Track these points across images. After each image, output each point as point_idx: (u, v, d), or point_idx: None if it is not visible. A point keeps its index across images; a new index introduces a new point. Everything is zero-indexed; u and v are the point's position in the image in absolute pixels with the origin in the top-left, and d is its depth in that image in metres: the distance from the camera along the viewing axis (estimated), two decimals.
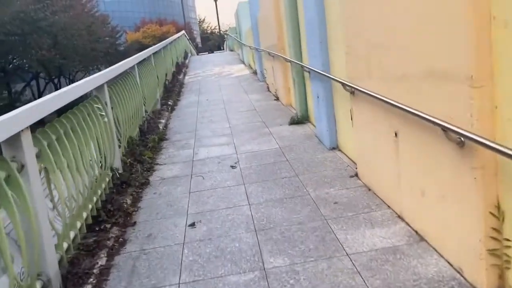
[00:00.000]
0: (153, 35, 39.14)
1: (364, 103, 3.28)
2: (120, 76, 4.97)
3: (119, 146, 4.43)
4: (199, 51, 41.90)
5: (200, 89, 10.69)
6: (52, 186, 2.63)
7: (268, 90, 8.91)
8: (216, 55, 22.09)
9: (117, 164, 4.21)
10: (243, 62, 15.13)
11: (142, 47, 36.57)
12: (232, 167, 4.52)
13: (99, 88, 4.01)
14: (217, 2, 41.56)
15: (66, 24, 17.70)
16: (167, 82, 9.93)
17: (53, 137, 2.70)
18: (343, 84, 3.65)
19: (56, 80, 30.06)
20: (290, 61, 6.12)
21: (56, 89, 30.57)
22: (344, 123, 4.23)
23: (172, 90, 10.11)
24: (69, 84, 33.48)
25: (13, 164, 2.10)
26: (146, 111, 6.40)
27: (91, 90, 3.83)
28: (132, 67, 5.82)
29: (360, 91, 3.18)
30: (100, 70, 28.12)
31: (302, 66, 5.20)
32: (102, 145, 3.74)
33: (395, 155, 2.80)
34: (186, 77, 13.27)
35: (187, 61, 18.00)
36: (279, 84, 7.55)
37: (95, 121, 3.60)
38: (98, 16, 28.90)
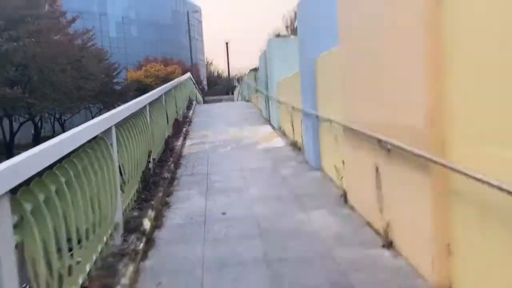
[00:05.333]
0: (156, 75, 35.52)
1: None
2: None
3: None
4: (205, 94, 38.17)
5: (208, 175, 6.26)
6: None
7: (346, 202, 4.47)
8: (229, 105, 17.90)
9: None
10: (269, 122, 10.83)
11: (142, 87, 32.80)
12: None
13: None
14: (229, 45, 38.29)
15: (40, 56, 13.64)
16: (150, 166, 5.52)
17: None
18: None
19: (37, 119, 25.85)
20: None
21: (36, 131, 26.35)
22: None
23: (159, 177, 5.70)
24: (54, 126, 28.95)
25: None
26: None
27: None
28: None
29: None
30: (90, 111, 23.61)
31: None
32: None
33: None
34: (187, 143, 8.90)
35: (191, 112, 13.77)
36: (411, 224, 3.09)
37: None
38: (92, 51, 25.16)
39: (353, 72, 4.00)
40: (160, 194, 5.07)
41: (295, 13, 43.58)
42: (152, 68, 36.54)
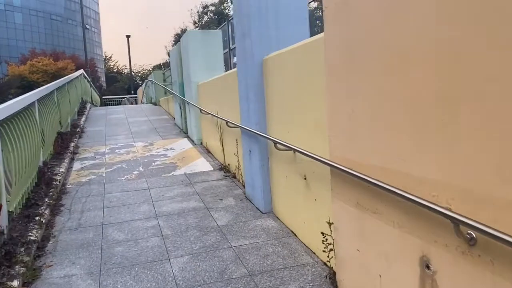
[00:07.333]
0: (44, 71, 30.94)
1: None
2: None
3: None
4: (103, 93, 34.32)
5: (104, 229, 4.13)
6: None
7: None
8: (132, 109, 15.24)
9: None
10: (186, 134, 8.81)
11: (27, 84, 28.12)
12: None
13: None
14: (130, 39, 34.80)
15: None
16: (3, 229, 3.27)
17: None
18: None
19: None
20: None
21: None
22: None
23: (19, 241, 3.45)
24: None
25: None
26: None
27: None
28: None
29: None
30: None
31: None
32: None
33: None
34: (75, 166, 6.52)
35: (83, 118, 11.11)
36: None
37: None
38: None
39: (365, 80, 2.28)
40: (15, 284, 2.89)
41: (204, 8, 41.36)
42: (39, 62, 31.78)
